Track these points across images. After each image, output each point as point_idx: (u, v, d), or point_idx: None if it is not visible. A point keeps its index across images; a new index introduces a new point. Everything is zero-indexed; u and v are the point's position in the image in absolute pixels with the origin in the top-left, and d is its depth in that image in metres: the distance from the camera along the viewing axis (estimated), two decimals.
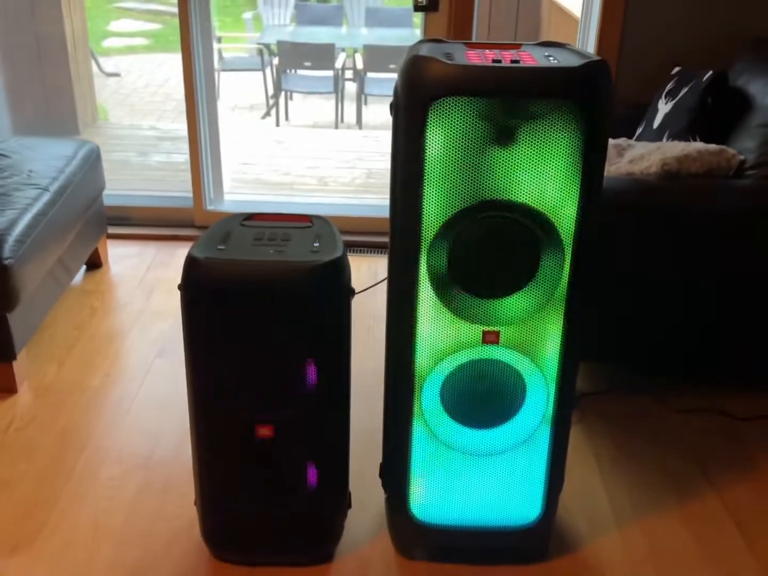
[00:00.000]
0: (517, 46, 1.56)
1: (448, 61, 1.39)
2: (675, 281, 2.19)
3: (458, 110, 1.37)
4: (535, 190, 1.44)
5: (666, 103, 2.60)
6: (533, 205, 1.45)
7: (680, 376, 2.50)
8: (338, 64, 6.11)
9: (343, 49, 6.47)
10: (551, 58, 1.45)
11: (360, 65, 6.14)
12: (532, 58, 1.45)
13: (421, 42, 1.57)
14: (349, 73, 6.60)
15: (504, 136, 1.39)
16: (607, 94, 1.39)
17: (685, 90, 2.54)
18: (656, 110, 2.64)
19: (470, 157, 1.41)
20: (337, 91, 6.13)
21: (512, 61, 1.41)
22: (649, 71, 2.95)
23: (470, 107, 1.37)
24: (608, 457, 2.17)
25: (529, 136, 1.39)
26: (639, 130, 2.70)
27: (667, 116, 2.55)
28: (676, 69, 2.74)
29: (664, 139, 2.48)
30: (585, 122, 1.38)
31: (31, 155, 2.79)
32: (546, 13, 5.47)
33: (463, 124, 1.38)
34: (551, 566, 1.81)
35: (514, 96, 1.37)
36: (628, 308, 2.26)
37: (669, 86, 2.66)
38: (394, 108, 1.48)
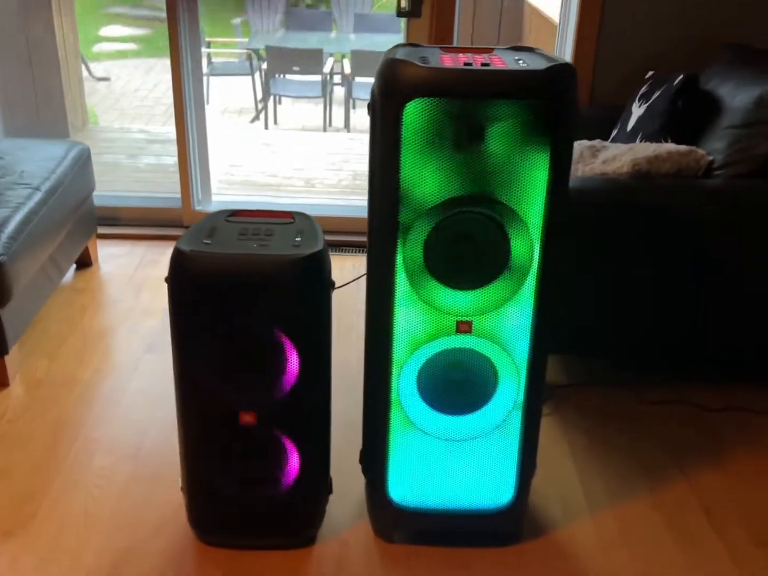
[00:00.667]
0: (489, 51, 1.63)
1: (422, 64, 1.46)
2: (648, 278, 2.26)
3: (430, 110, 1.44)
4: (505, 186, 1.51)
5: (640, 106, 2.68)
6: (503, 200, 1.52)
7: (656, 370, 2.57)
8: (326, 69, 6.17)
9: (331, 54, 6.54)
10: (521, 62, 1.53)
11: (348, 70, 6.21)
12: (502, 61, 1.53)
13: (397, 46, 1.64)
14: (337, 78, 6.67)
15: (473, 135, 1.47)
16: (571, 95, 1.47)
17: (657, 93, 2.62)
18: (630, 113, 2.72)
19: (443, 155, 1.48)
20: (326, 95, 6.19)
21: (482, 65, 1.48)
22: (624, 75, 3.05)
23: (442, 107, 1.44)
24: (582, 446, 2.23)
25: (498, 135, 1.47)
26: (614, 132, 2.78)
27: (640, 119, 2.63)
28: (650, 73, 2.82)
29: (638, 141, 2.56)
30: (550, 121, 1.46)
31: (23, 156, 2.84)
32: (528, 19, 5.55)
33: (435, 124, 1.45)
34: (525, 548, 1.88)
35: (482, 97, 1.44)
36: (607, 305, 2.32)
37: (642, 90, 2.74)
38: (372, 108, 1.55)
